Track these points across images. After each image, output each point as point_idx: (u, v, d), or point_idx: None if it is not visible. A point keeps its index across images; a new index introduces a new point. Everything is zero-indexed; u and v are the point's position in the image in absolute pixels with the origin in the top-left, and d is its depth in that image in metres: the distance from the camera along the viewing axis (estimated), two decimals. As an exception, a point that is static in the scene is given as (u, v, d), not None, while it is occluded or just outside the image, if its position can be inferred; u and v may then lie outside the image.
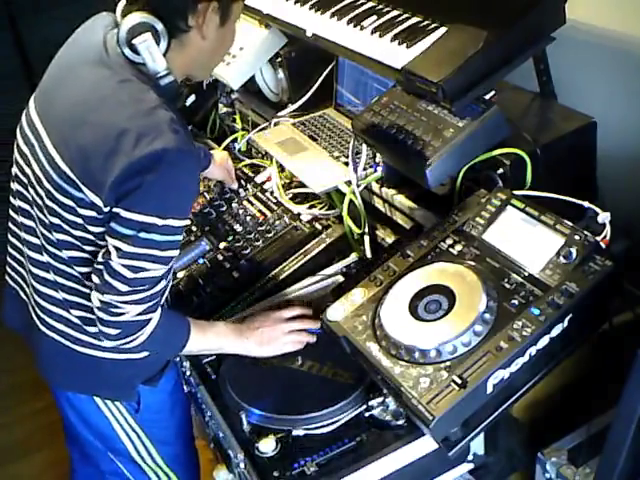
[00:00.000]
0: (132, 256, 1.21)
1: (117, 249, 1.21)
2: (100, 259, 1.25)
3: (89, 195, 1.22)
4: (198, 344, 1.41)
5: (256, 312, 1.53)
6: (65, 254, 1.32)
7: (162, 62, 1.24)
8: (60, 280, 1.36)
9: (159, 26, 1.22)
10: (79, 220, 1.26)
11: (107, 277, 1.23)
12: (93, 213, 1.24)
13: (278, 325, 1.46)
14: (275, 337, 1.44)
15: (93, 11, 1.40)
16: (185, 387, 1.58)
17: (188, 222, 1.21)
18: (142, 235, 1.19)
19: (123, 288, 1.23)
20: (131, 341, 1.30)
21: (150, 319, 1.30)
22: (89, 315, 1.35)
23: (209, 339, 1.43)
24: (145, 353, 1.41)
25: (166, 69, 1.24)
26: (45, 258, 1.36)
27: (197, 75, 1.44)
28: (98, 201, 1.21)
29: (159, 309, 1.32)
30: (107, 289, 1.24)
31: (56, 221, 1.29)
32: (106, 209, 1.21)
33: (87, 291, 1.33)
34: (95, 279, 1.26)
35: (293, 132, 1.91)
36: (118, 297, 1.24)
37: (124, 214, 1.19)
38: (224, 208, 1.87)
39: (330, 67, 1.94)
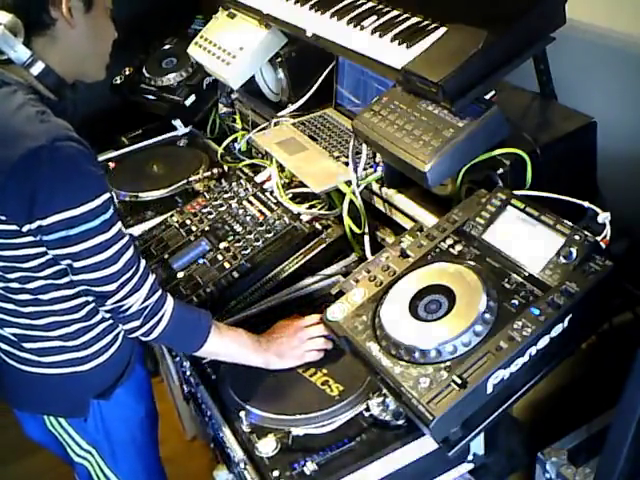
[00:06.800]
0: (85, 254, 1.19)
1: (69, 258, 1.20)
2: (76, 281, 1.25)
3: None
4: (214, 346, 1.36)
5: (275, 326, 1.46)
6: None
7: (23, 50, 1.24)
8: None
9: (4, 19, 1.21)
10: None
11: (95, 289, 1.24)
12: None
13: (298, 333, 1.40)
14: (295, 346, 1.39)
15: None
16: (185, 387, 1.58)
17: (108, 195, 1.21)
18: (74, 232, 1.17)
19: (112, 287, 1.23)
20: (154, 326, 1.28)
21: (160, 297, 1.29)
22: (22, 331, 1.35)
23: (226, 343, 1.37)
24: (91, 365, 1.39)
25: (31, 56, 1.24)
26: None
27: (88, 72, 1.38)
28: (14, 227, 1.20)
29: (168, 295, 1.31)
30: (102, 299, 1.25)
31: None
32: (25, 228, 1.20)
33: (13, 307, 1.32)
34: (90, 298, 1.28)
35: (293, 132, 1.91)
36: (114, 297, 1.24)
37: (44, 222, 1.16)
38: (224, 208, 1.87)
39: (330, 67, 1.94)
